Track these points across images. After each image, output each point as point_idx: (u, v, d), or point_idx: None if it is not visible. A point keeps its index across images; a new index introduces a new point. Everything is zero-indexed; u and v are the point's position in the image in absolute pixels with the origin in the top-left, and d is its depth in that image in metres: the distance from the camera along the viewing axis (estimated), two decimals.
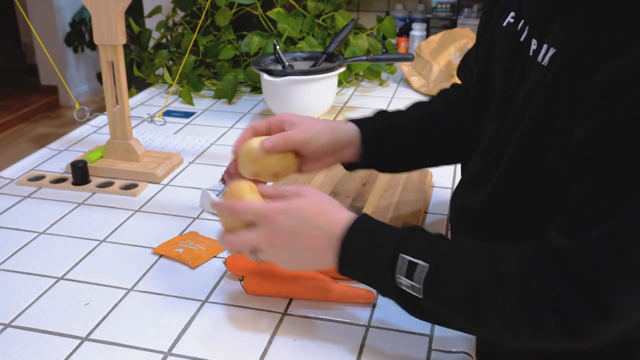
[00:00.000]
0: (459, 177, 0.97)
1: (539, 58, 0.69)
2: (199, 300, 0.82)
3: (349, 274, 0.73)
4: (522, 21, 0.76)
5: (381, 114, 0.94)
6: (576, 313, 0.60)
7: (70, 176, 1.16)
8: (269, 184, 0.90)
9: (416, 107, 0.98)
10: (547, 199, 0.69)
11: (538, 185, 0.71)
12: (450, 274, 0.67)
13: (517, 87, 0.75)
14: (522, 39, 0.75)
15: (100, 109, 1.40)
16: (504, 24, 0.80)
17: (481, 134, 0.86)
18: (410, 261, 0.67)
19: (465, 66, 1.00)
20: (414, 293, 0.68)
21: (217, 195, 1.07)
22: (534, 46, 0.72)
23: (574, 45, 0.65)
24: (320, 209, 0.73)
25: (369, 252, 0.70)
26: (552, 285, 0.61)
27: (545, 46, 0.69)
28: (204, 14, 1.40)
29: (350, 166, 0.93)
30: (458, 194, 0.91)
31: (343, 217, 0.73)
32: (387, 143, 0.91)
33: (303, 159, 0.87)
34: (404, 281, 0.68)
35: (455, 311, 0.67)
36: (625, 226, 0.58)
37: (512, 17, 0.79)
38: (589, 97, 0.61)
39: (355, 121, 0.91)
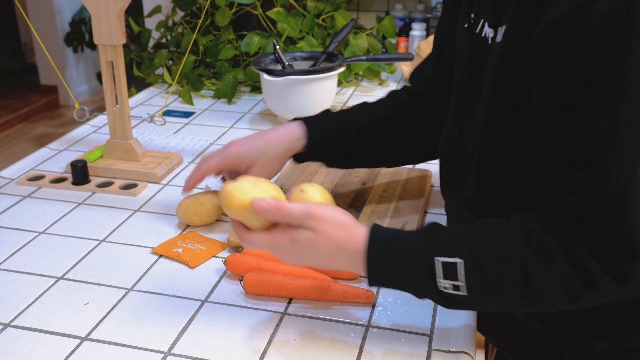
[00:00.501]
0: None
1: (497, 39, 0.73)
2: (199, 300, 0.82)
3: (382, 286, 0.74)
4: (482, 20, 0.79)
5: (327, 115, 0.99)
6: (617, 261, 0.63)
7: (70, 176, 1.16)
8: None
9: (363, 109, 1.01)
10: (533, 170, 0.71)
11: (520, 159, 0.73)
12: (490, 262, 0.66)
13: (480, 74, 0.78)
14: (481, 34, 0.78)
15: (100, 109, 1.40)
16: (466, 25, 0.83)
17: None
18: (444, 263, 0.67)
19: (420, 74, 1.04)
20: (459, 293, 0.67)
21: None
22: (491, 34, 0.75)
23: (517, 17, 0.69)
24: (335, 244, 0.70)
25: (402, 267, 0.69)
26: (590, 244, 0.64)
27: (500, 28, 0.72)
28: (204, 14, 1.40)
29: (297, 158, 0.99)
30: (447, 188, 0.93)
31: (358, 238, 0.70)
32: (333, 147, 0.97)
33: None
34: (445, 284, 0.67)
35: (504, 297, 0.67)
36: (617, 165, 0.62)
37: (473, 19, 0.81)
38: (534, 55, 0.65)
39: (305, 123, 0.96)
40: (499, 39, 0.72)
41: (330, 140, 0.97)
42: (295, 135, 0.94)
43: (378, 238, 0.70)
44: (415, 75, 1.06)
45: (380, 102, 1.04)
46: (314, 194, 0.74)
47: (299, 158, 0.98)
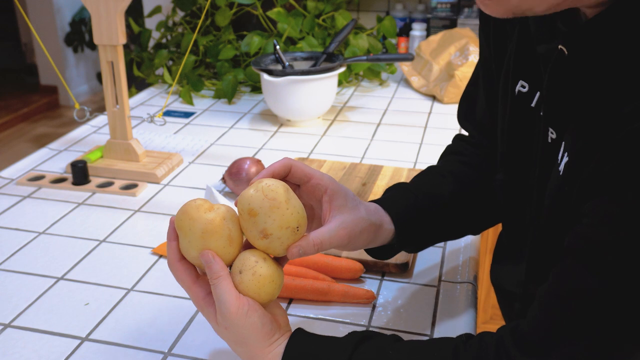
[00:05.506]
0: None
1: (558, 159, 0.62)
2: None
3: None
4: (538, 93, 0.68)
5: (406, 195, 0.79)
6: None
7: (70, 176, 1.16)
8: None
9: (430, 184, 0.82)
10: None
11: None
12: None
13: (538, 174, 0.69)
14: (539, 111, 0.68)
15: (100, 109, 1.40)
16: (515, 92, 0.72)
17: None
18: None
19: (473, 119, 0.87)
20: None
21: (220, 192, 1.07)
22: (551, 134, 0.65)
23: (579, 159, 0.58)
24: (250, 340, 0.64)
25: None
26: None
27: (562, 147, 0.62)
28: (204, 14, 1.40)
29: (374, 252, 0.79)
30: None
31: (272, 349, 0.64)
32: (418, 231, 0.79)
33: None
34: None
35: None
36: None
37: (522, 86, 0.70)
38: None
39: (386, 208, 0.76)
40: (561, 168, 0.61)
41: (415, 227, 0.78)
42: (386, 227, 0.75)
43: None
44: (465, 118, 0.89)
45: (443, 169, 0.85)
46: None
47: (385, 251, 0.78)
